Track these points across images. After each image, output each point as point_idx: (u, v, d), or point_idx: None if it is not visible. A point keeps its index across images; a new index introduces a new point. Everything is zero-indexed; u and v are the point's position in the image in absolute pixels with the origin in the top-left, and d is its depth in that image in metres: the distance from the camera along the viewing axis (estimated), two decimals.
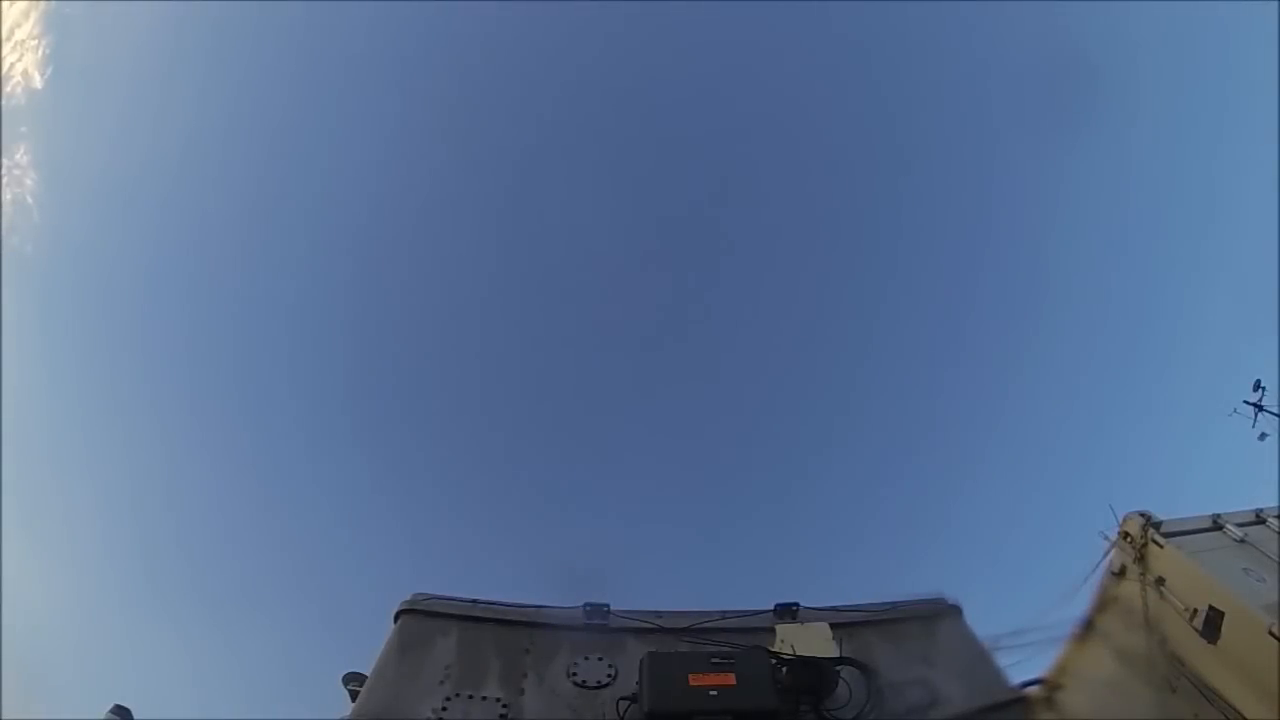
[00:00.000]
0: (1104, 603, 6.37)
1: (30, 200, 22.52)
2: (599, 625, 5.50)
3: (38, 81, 22.23)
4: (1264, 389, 10.45)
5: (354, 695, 5.13)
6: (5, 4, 21.49)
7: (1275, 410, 10.20)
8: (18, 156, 22.55)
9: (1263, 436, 10.41)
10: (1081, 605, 6.45)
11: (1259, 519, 6.39)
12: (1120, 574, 6.29)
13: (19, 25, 22.02)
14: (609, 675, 5.10)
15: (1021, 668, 5.88)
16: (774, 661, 4.89)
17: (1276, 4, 18.48)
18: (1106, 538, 6.49)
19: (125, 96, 22.85)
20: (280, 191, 24.22)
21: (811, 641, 5.19)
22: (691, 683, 4.54)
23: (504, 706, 4.85)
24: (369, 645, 5.39)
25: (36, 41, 22.17)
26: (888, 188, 23.70)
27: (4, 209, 21.95)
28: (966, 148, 23.73)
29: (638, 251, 23.99)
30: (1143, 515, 6.30)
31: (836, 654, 5.09)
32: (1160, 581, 5.95)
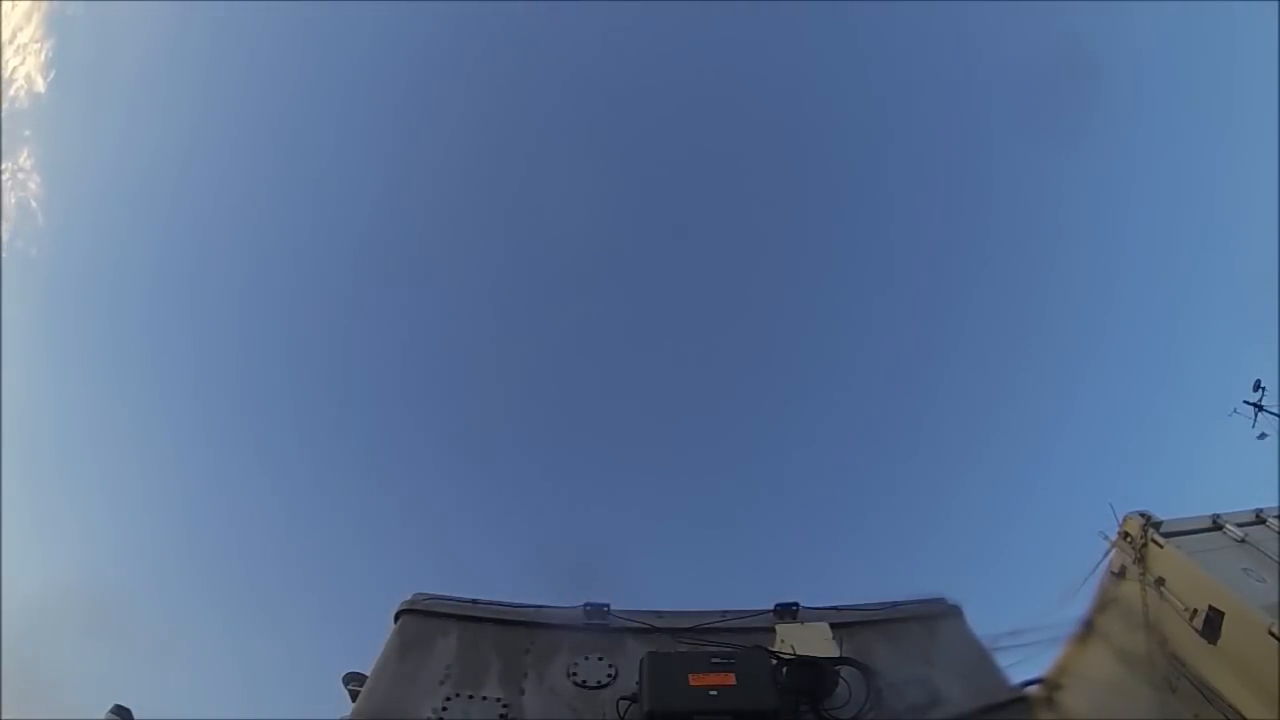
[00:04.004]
0: (1104, 603, 6.37)
1: (34, 204, 22.53)
2: (599, 625, 5.50)
3: (40, 85, 22.25)
4: (1264, 389, 10.44)
5: (354, 695, 5.13)
6: (7, 7, 21.50)
7: (1275, 410, 10.20)
8: (21, 160, 22.56)
9: (1263, 436, 10.40)
10: (1081, 605, 6.46)
11: (1259, 519, 6.40)
12: (1120, 574, 6.30)
13: (21, 28, 22.03)
14: (609, 675, 5.10)
15: (1021, 668, 5.88)
16: (774, 661, 4.89)
17: (1277, 4, 18.49)
18: (1106, 538, 6.50)
19: (128, 99, 22.88)
20: (283, 193, 24.24)
21: (811, 641, 5.19)
22: (691, 682, 4.54)
23: (504, 706, 4.85)
24: (369, 645, 5.39)
25: (39, 45, 22.18)
26: (891, 187, 23.72)
27: (9, 213, 21.97)
28: (968, 147, 23.75)
29: (637, 249, 24.00)
30: (1143, 515, 6.31)
31: (836, 654, 5.09)
32: (1160, 582, 5.96)
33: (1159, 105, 22.61)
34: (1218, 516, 6.38)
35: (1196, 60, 22.48)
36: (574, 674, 5.11)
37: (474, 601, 5.65)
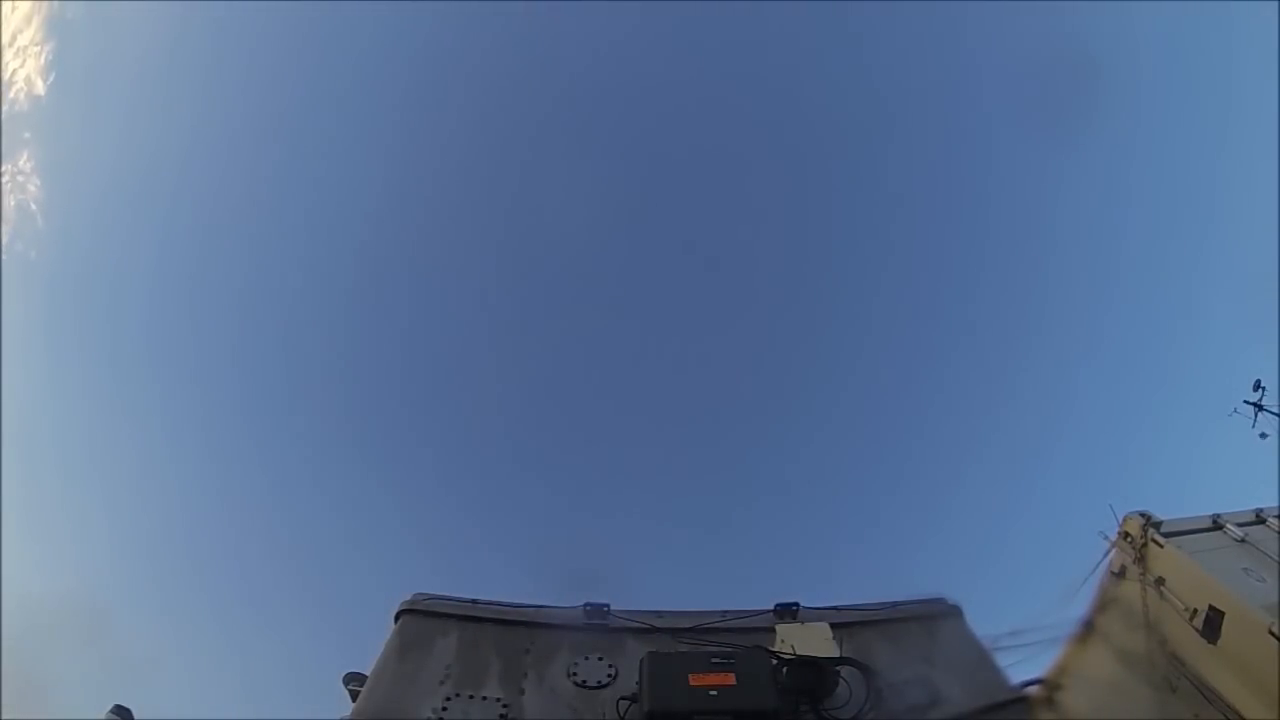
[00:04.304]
0: (1104, 603, 6.37)
1: (34, 207, 22.54)
2: (599, 625, 5.50)
3: (40, 87, 22.25)
4: (1264, 389, 10.45)
5: (354, 695, 5.13)
6: (7, 9, 21.48)
7: (1275, 410, 10.20)
8: (21, 163, 22.56)
9: (1263, 436, 10.41)
10: (1081, 605, 6.46)
11: (1259, 519, 6.40)
12: (1120, 574, 6.30)
13: (21, 30, 22.01)
14: (609, 675, 5.10)
15: (1021, 668, 5.88)
16: (774, 661, 4.90)
17: (1277, 4, 18.49)
18: (1106, 538, 6.49)
19: (128, 102, 22.88)
20: (283, 195, 24.27)
21: (811, 641, 5.19)
22: (692, 682, 4.54)
23: (504, 706, 4.85)
24: (369, 645, 5.39)
25: (39, 47, 22.17)
26: (890, 186, 23.72)
27: (8, 215, 21.96)
28: (968, 146, 23.76)
29: (637, 250, 24.00)
30: (1143, 515, 6.30)
31: (836, 654, 5.09)
32: (1160, 582, 5.95)
33: (1159, 105, 22.62)
34: (1218, 516, 6.37)
35: (1196, 60, 22.49)
36: (574, 674, 5.11)
37: (474, 601, 5.65)
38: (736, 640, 5.17)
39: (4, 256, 21.84)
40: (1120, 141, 22.44)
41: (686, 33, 23.42)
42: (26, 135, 22.81)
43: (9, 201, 22.00)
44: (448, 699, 4.84)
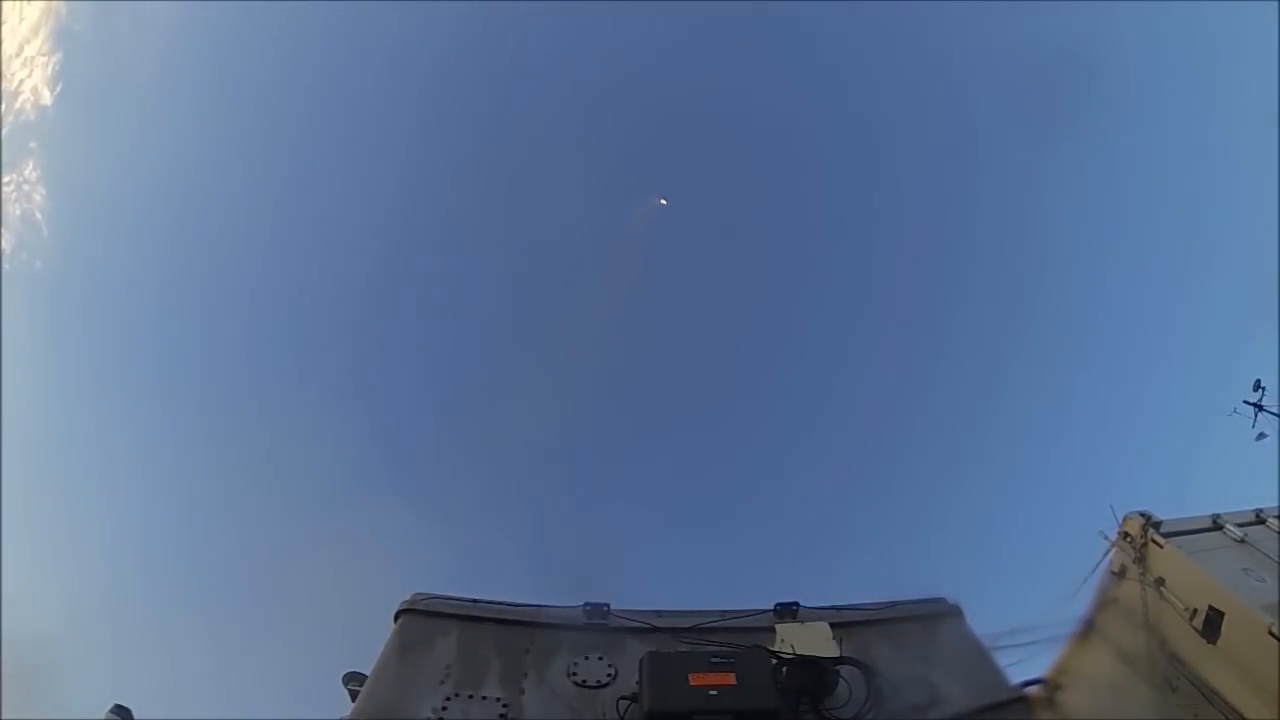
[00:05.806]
0: (1104, 603, 6.37)
1: (39, 216, 22.56)
2: (599, 625, 5.49)
3: (47, 97, 22.25)
4: (1264, 389, 10.44)
5: (354, 695, 5.13)
6: (14, 19, 21.46)
7: (1275, 410, 10.20)
8: (27, 172, 22.58)
9: (1262, 436, 10.40)
10: (1081, 605, 6.45)
11: (1259, 519, 6.39)
12: (1120, 574, 6.29)
13: (28, 41, 22.00)
14: (609, 675, 5.10)
15: (1021, 668, 5.88)
16: (774, 661, 4.90)
17: (1277, 4, 18.48)
18: (1106, 538, 6.49)
19: (134, 111, 22.89)
20: (287, 204, 24.30)
21: (811, 641, 5.19)
22: (692, 682, 4.54)
23: (504, 706, 4.84)
24: (369, 645, 5.39)
25: (46, 58, 22.16)
26: (886, 185, 23.73)
27: (13, 225, 21.94)
28: (967, 146, 23.77)
29: (639, 251, 24.02)
30: (1143, 515, 6.30)
31: (836, 654, 5.09)
32: (1160, 581, 5.95)
33: (1160, 104, 22.64)
34: (1218, 516, 6.37)
35: (1198, 58, 22.49)
36: (574, 674, 5.11)
37: (474, 601, 5.64)
38: (736, 640, 5.17)
39: (8, 266, 21.86)
40: (1120, 140, 22.47)
41: (688, 32, 23.43)
42: (32, 145, 22.85)
43: (14, 211, 22.01)
44: (447, 699, 4.84)
